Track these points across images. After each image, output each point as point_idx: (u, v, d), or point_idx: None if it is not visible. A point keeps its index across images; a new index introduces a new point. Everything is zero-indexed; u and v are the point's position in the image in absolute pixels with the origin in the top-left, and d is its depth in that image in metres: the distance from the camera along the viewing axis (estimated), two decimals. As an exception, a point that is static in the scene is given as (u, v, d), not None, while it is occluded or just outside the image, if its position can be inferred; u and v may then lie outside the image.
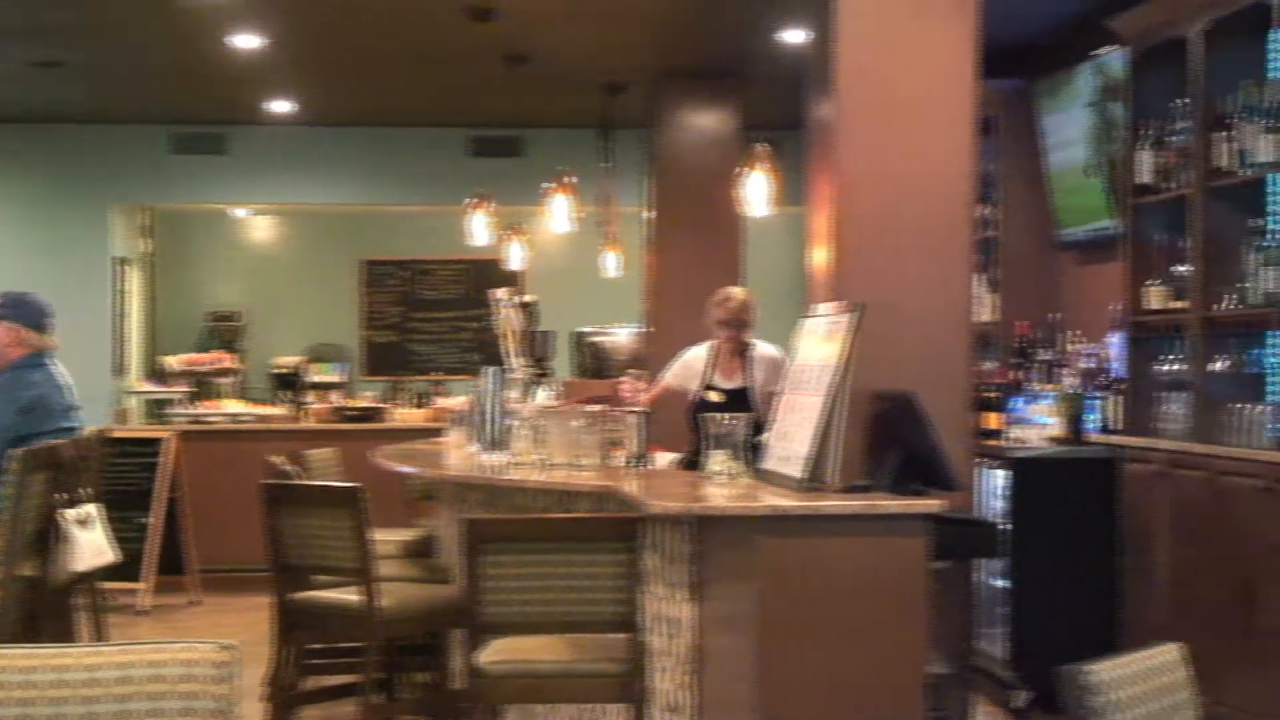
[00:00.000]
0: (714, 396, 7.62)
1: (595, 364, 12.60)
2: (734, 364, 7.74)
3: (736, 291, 7.74)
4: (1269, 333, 6.86)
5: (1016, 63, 9.51)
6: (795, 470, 5.57)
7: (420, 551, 7.49)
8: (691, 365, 7.88)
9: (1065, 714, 3.11)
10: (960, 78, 6.64)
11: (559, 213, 10.55)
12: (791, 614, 5.30)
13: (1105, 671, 3.18)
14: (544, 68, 10.79)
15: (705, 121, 11.44)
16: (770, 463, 5.91)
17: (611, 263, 12.94)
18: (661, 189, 11.56)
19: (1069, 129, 9.22)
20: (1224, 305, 7.23)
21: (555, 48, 10.35)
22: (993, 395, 8.52)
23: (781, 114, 9.61)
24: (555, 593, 5.09)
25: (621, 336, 12.78)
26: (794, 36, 9.71)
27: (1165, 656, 3.41)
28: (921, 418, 5.72)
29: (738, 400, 7.44)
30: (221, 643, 3.02)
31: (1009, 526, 7.80)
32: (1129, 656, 3.31)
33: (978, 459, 7.98)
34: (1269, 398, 6.87)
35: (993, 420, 8.42)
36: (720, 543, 5.48)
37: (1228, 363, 7.25)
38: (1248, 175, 7.06)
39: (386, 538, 7.13)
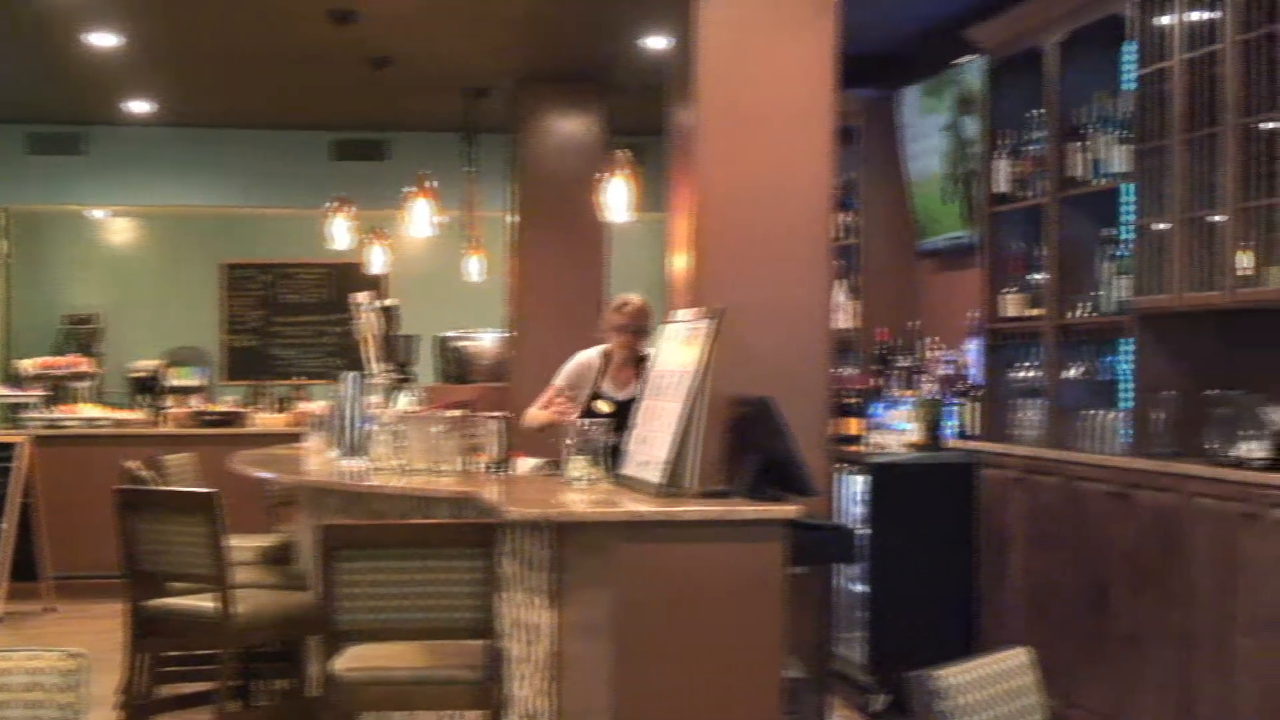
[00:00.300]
0: (603, 407, 7.25)
1: (458, 369, 12.53)
2: (626, 373, 7.31)
3: (634, 297, 7.41)
4: (1121, 340, 6.96)
5: (879, 72, 9.60)
6: (654, 475, 5.57)
7: (279, 558, 7.42)
8: (584, 370, 7.47)
9: (916, 718, 3.13)
10: (819, 86, 6.68)
11: (419, 217, 10.49)
12: (649, 619, 5.31)
13: (954, 676, 3.21)
14: (408, 71, 10.74)
15: (569, 126, 11.43)
16: (630, 468, 5.92)
17: (475, 267, 12.89)
18: (525, 194, 11.54)
19: (928, 139, 9.31)
20: (1078, 313, 7.33)
21: (419, 51, 10.30)
22: (853, 401, 8.59)
23: (645, 120, 9.62)
24: (412, 599, 5.06)
25: (485, 341, 12.73)
26: (656, 43, 9.74)
27: (1014, 660, 3.45)
28: (779, 423, 5.75)
29: (627, 413, 6.62)
30: (68, 650, 2.98)
31: (868, 532, 7.86)
32: (977, 660, 3.34)
33: (838, 464, 8.05)
34: (1120, 404, 6.97)
35: (853, 426, 8.49)
36: (579, 549, 5.47)
37: (1081, 369, 7.35)
38: (1101, 185, 7.16)
39: (244, 544, 7.04)
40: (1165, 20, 6.55)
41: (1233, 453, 6.13)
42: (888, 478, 7.96)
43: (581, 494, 5.85)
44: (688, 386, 5.52)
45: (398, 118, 13.01)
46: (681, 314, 6.13)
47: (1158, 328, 6.76)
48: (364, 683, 5.14)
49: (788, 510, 5.43)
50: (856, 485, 8.06)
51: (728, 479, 5.69)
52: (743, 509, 5.43)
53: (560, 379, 7.42)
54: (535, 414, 7.24)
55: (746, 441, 5.79)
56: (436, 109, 12.19)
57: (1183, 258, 6.38)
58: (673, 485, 5.48)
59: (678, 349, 5.83)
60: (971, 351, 8.49)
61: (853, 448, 8.31)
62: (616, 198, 7.74)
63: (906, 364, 9.04)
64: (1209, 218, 6.23)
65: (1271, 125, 5.86)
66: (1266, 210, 5.87)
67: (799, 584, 5.96)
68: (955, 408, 8.39)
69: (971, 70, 8.58)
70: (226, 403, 13.00)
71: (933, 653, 3.71)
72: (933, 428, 8.34)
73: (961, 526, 7.90)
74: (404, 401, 7.61)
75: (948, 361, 8.69)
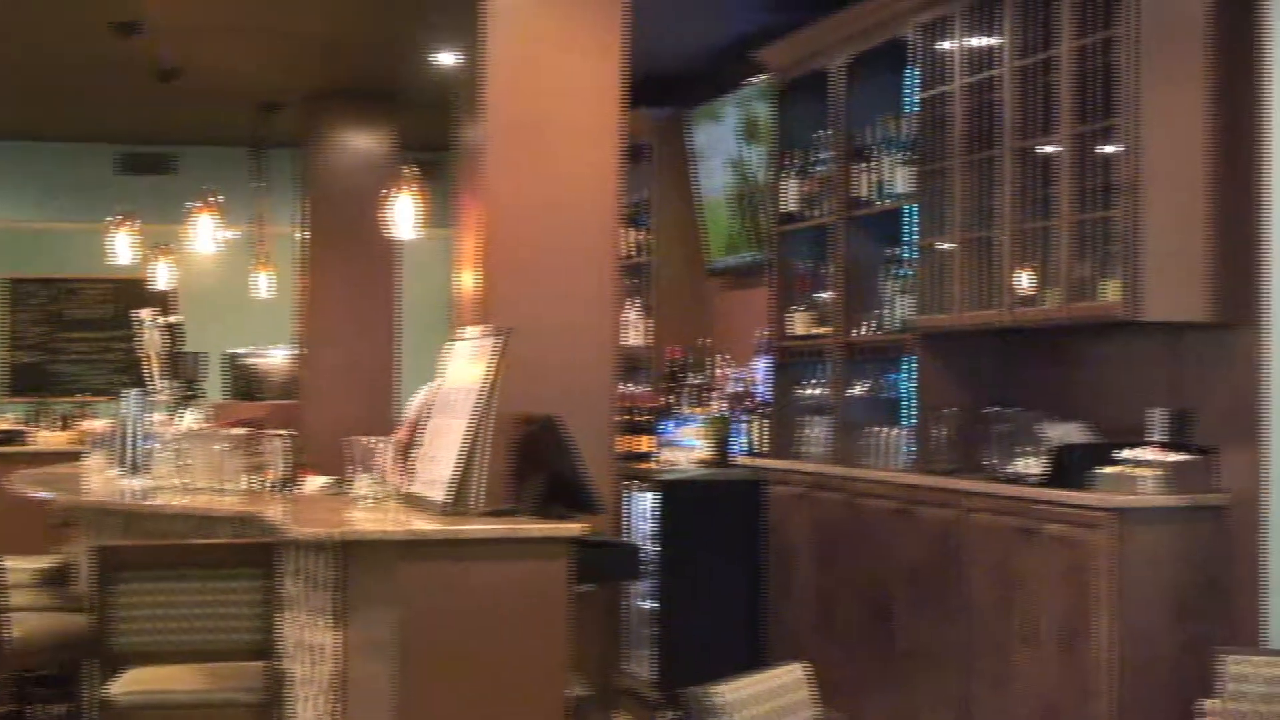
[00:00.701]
0: None
1: (248, 386, 12.37)
2: None
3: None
4: (904, 358, 7.07)
5: (671, 91, 9.65)
6: (439, 494, 5.54)
7: (58, 580, 7.24)
8: (430, 399, 7.36)
9: (690, 735, 3.15)
10: (608, 104, 6.70)
11: (203, 232, 10.31)
12: (433, 639, 5.28)
13: (730, 692, 3.23)
14: (197, 84, 10.54)
15: (359, 142, 11.33)
16: (417, 486, 5.88)
17: (264, 283, 12.72)
18: (314, 209, 11.41)
19: (718, 158, 9.38)
20: (863, 331, 7.44)
21: (208, 64, 10.14)
22: (644, 419, 8.63)
23: (435, 136, 9.57)
24: (190, 621, 4.98)
25: (276, 358, 12.58)
26: (447, 59, 9.68)
27: (789, 676, 3.48)
28: (565, 441, 5.75)
29: None
30: None
31: (658, 549, 7.89)
32: (754, 676, 3.37)
33: (627, 482, 8.07)
34: (904, 421, 7.09)
35: (644, 443, 8.53)
36: (363, 568, 5.41)
37: (866, 387, 7.46)
38: (886, 205, 7.28)
39: (21, 565, 6.88)
40: (946, 45, 6.68)
41: (1010, 469, 6.25)
42: (677, 495, 8.01)
43: (367, 512, 5.79)
44: (473, 405, 5.50)
45: (186, 131, 12.80)
46: (468, 331, 6.11)
47: (939, 346, 6.88)
48: (140, 706, 5.04)
49: (572, 528, 5.43)
50: (646, 502, 8.09)
51: (515, 497, 5.67)
52: (527, 527, 5.42)
53: (410, 412, 7.35)
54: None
55: (533, 460, 5.78)
56: (226, 123, 12.01)
57: (963, 277, 6.50)
58: (458, 504, 5.45)
59: (464, 367, 5.81)
60: (760, 369, 8.56)
61: (643, 465, 8.35)
62: (404, 214, 7.66)
63: (697, 381, 9.09)
64: (988, 238, 6.36)
65: (1047, 149, 6.00)
66: (1043, 231, 6.00)
67: (586, 601, 5.96)
68: (744, 425, 8.46)
69: (760, 91, 8.66)
70: (7, 420, 12.66)
71: (721, 669, 3.73)
72: (722, 445, 8.41)
73: (749, 543, 7.97)
74: (190, 419, 7.47)
75: (737, 379, 8.76)
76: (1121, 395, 6.17)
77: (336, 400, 7.38)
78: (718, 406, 8.72)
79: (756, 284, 8.83)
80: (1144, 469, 5.60)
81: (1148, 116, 5.46)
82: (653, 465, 8.40)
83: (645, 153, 9.71)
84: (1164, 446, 5.69)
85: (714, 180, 9.46)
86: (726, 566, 7.99)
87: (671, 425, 8.70)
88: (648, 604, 8.05)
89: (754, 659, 7.76)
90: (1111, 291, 5.60)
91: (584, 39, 6.70)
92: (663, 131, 9.79)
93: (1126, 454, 5.71)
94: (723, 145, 9.30)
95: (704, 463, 8.35)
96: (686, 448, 8.50)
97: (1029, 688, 5.94)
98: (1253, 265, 5.37)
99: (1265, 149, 5.31)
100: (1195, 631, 5.52)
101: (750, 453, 8.35)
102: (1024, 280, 6.12)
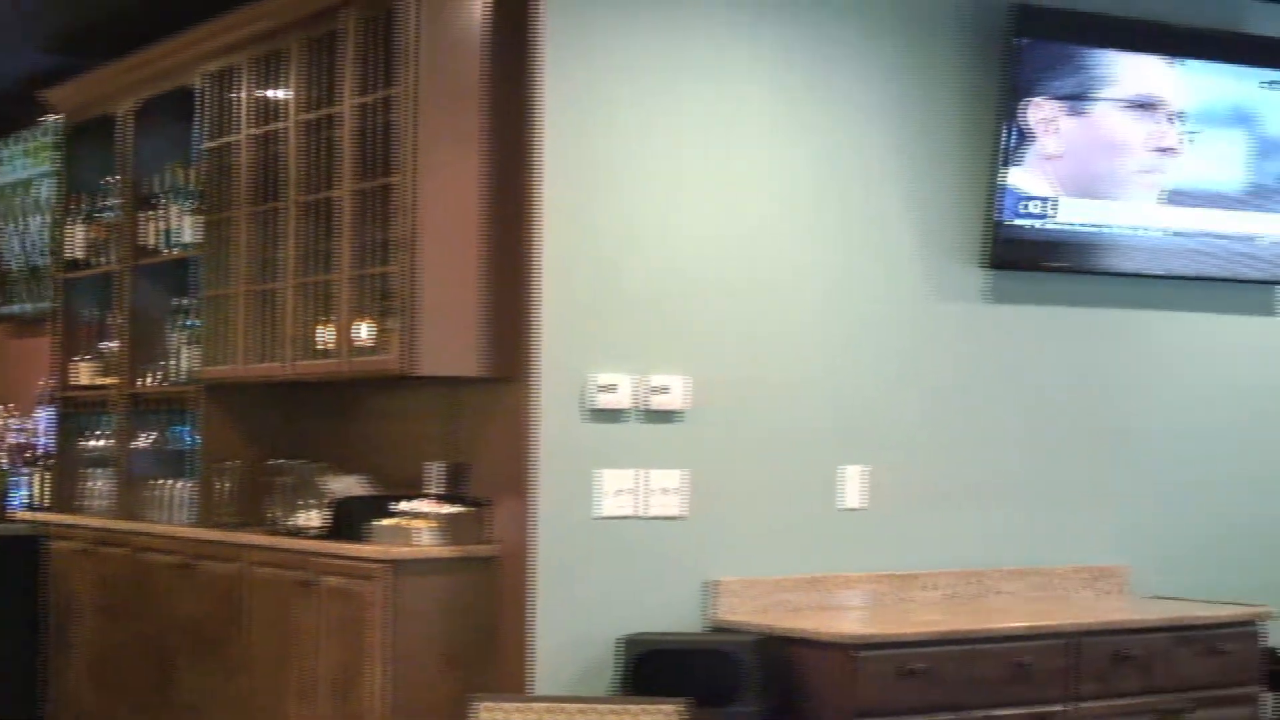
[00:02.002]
0: None
1: None
2: None
3: None
4: (189, 410, 6.96)
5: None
6: None
7: None
8: None
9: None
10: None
11: None
12: None
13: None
14: None
15: None
16: None
17: None
18: None
19: (3, 200, 9.02)
20: (149, 381, 7.28)
21: None
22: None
23: None
24: None
25: None
26: None
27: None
28: None
29: None
30: None
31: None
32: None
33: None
34: (189, 474, 6.97)
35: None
36: None
37: (152, 439, 7.29)
38: (173, 254, 7.16)
39: None
40: (234, 95, 6.64)
41: (293, 522, 6.24)
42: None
43: None
44: None
45: None
46: None
47: (224, 398, 6.80)
48: None
49: None
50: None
51: None
52: None
53: None
54: None
55: None
56: None
57: (247, 329, 6.46)
58: None
59: None
60: (43, 420, 8.26)
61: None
62: None
63: (-25, 434, 8.68)
64: (272, 290, 6.34)
65: (330, 203, 6.03)
66: (325, 285, 6.04)
67: None
68: (25, 478, 8.14)
69: (47, 133, 8.38)
70: None
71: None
72: (1, 498, 8.07)
73: (27, 600, 7.66)
74: None
75: (19, 430, 8.42)
76: (403, 448, 6.27)
77: None
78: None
79: (41, 332, 8.51)
80: (420, 521, 5.70)
81: (425, 174, 5.56)
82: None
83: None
84: (440, 499, 5.81)
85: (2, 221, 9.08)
86: (2, 624, 7.67)
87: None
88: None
89: (30, 716, 7.51)
90: (390, 346, 5.68)
91: None
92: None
93: (404, 506, 5.80)
94: (7, 186, 8.94)
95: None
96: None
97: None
98: (524, 322, 5.56)
99: (536, 209, 5.50)
100: (467, 679, 5.63)
101: (32, 507, 8.04)
102: (308, 333, 6.14)
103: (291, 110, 6.25)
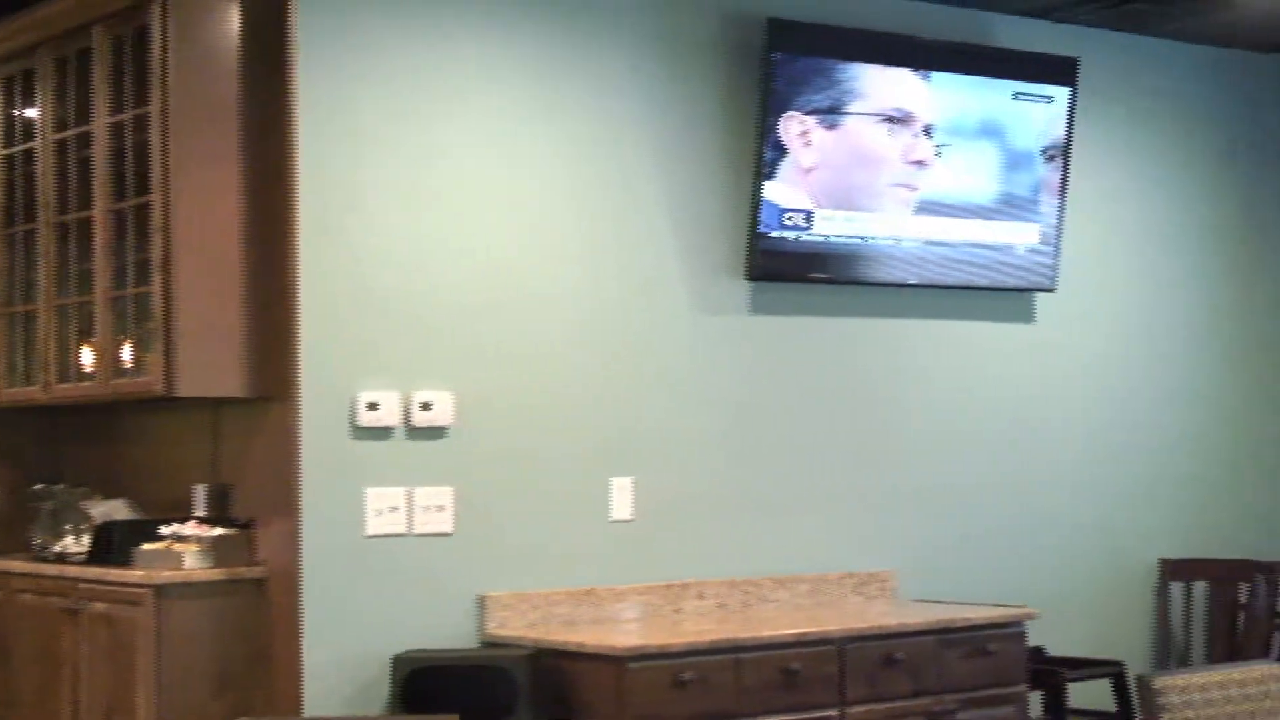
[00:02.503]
0: None
1: None
2: None
3: None
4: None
5: None
6: None
7: None
8: None
9: None
10: None
11: None
12: None
13: None
14: None
15: None
16: None
17: None
18: None
19: None
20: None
21: None
22: None
23: None
24: None
25: None
26: None
27: None
28: None
29: None
30: None
31: None
32: None
33: None
34: None
35: None
36: None
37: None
38: None
39: None
40: (-15, 115, 6.52)
41: (57, 548, 6.14)
42: None
43: None
44: None
45: None
46: None
47: (-18, 423, 6.68)
48: None
49: None
50: None
51: None
52: None
53: None
54: None
55: None
56: None
57: (3, 353, 6.35)
58: None
59: None
60: None
61: None
62: None
63: None
64: (29, 313, 6.22)
65: (86, 224, 5.94)
66: (83, 307, 5.95)
67: None
68: None
69: None
70: None
71: None
72: None
73: None
74: None
75: None
76: (168, 471, 6.19)
77: None
78: None
79: None
80: (185, 544, 5.63)
81: (180, 194, 5.48)
82: None
83: None
84: (206, 521, 5.74)
85: None
86: None
87: None
88: None
89: None
90: (150, 368, 5.60)
91: None
92: None
93: (168, 530, 5.72)
94: None
95: None
96: None
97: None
98: (286, 341, 5.51)
99: (293, 227, 5.46)
100: (239, 703, 5.57)
101: None
102: (66, 356, 6.04)
103: (44, 129, 6.14)
